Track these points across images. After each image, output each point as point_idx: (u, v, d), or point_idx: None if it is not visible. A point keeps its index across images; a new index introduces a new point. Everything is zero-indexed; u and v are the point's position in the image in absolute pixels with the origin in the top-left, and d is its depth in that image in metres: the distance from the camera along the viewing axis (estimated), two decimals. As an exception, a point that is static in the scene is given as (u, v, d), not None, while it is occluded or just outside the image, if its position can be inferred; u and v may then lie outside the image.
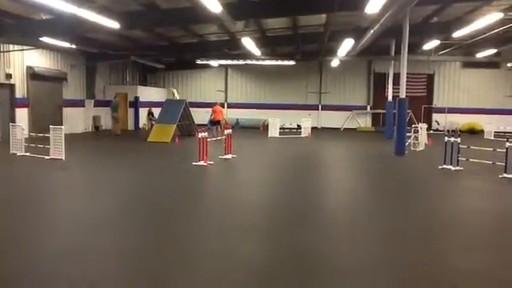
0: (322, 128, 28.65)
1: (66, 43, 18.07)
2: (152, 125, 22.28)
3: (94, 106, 24.45)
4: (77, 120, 23.00)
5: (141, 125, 25.97)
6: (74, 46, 19.00)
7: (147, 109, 25.61)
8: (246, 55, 23.36)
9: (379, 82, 28.31)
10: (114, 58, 22.96)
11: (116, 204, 8.07)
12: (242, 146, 16.63)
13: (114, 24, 13.52)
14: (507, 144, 11.12)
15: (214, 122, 20.94)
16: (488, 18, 14.19)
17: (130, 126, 25.94)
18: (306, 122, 23.91)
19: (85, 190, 9.40)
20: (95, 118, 24.65)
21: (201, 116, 25.83)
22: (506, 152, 11.07)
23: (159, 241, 5.93)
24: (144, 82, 29.17)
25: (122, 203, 8.13)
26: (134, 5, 14.34)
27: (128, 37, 20.42)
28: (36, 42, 17.70)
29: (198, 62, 25.68)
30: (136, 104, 25.93)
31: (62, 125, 15.73)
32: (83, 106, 23.82)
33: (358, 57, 23.06)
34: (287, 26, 19.55)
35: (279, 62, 25.34)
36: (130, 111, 26.06)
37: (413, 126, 17.87)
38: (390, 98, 23.34)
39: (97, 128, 24.63)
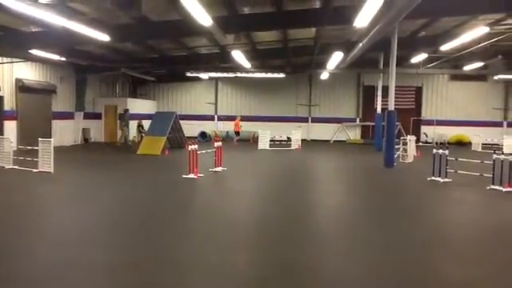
0: (312, 140, 28.74)
1: (55, 56, 18.03)
2: (142, 137, 22.22)
3: (84, 118, 24.36)
4: (66, 132, 22.86)
5: (130, 137, 25.84)
6: (63, 59, 18.96)
7: (137, 121, 25.53)
8: (237, 68, 23.42)
9: (368, 94, 28.49)
10: (104, 70, 22.92)
11: (104, 217, 8.02)
12: (232, 158, 16.63)
13: (104, 37, 13.53)
14: (494, 156, 11.26)
15: (236, 133, 25.50)
16: (474, 32, 14.43)
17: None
18: (296, 134, 23.98)
19: (73, 204, 9.32)
20: (85, 131, 24.55)
21: (190, 129, 25.91)
22: (494, 164, 11.20)
23: (148, 254, 5.90)
24: (134, 94, 29.11)
25: (110, 217, 8.09)
26: (125, 18, 14.37)
27: (118, 49, 20.43)
28: (25, 55, 17.64)
29: (188, 74, 25.69)
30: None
31: (50, 137, 15.63)
32: (73, 118, 23.71)
33: (347, 70, 23.24)
34: (277, 39, 19.68)
35: (269, 75, 25.40)
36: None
37: (401, 138, 18.00)
38: (378, 110, 23.53)
39: (86, 140, 24.52)
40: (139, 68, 24.08)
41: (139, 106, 27.27)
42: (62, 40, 14.90)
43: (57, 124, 22.09)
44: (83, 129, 24.45)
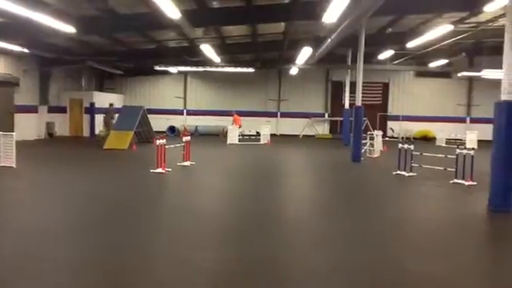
0: (281, 135, 28.86)
1: (18, 47, 17.48)
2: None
3: (48, 112, 23.75)
4: (29, 126, 22.22)
5: (97, 131, 25.36)
6: (26, 51, 18.41)
7: (103, 115, 25.03)
8: (206, 62, 23.29)
9: (337, 90, 28.80)
10: (70, 63, 22.41)
11: (68, 213, 7.85)
12: (200, 152, 16.55)
13: (69, 28, 13.22)
14: (457, 151, 11.58)
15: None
16: (439, 30, 14.77)
17: (86, 132, 25.31)
18: (265, 129, 24.03)
19: (36, 199, 9.08)
20: (49, 125, 23.94)
21: (159, 123, 25.64)
22: (457, 158, 11.52)
23: (115, 251, 5.81)
24: (101, 88, 28.56)
25: (74, 212, 7.92)
26: (91, 9, 14.06)
27: (85, 42, 19.98)
28: (-15, 46, 17.06)
29: (157, 68, 25.36)
30: (92, 110, 25.32)
31: (13, 131, 15.17)
32: (36, 112, 23.08)
33: (316, 65, 23.44)
34: (247, 33, 19.66)
35: (239, 70, 25.38)
36: (86, 117, 25.43)
37: (368, 133, 18.28)
38: (346, 105, 23.83)
39: (51, 135, 23.93)
40: (106, 61, 23.63)
41: (106, 99, 26.68)
42: (25, 31, 14.48)
43: (20, 118, 21.45)
44: (47, 123, 23.83)
